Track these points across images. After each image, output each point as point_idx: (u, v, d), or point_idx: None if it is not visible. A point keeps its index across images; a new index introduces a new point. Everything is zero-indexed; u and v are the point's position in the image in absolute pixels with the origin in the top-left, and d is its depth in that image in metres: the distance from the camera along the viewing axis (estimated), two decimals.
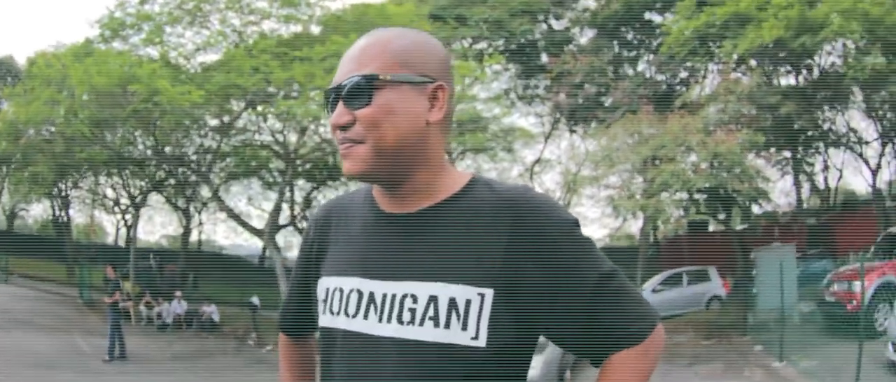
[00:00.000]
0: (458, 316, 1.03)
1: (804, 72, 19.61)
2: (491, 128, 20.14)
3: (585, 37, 23.96)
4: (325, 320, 1.16)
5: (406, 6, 18.00)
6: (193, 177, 22.72)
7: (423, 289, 1.05)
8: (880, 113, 21.42)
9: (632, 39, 23.17)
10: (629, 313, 1.10)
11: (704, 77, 20.62)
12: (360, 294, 1.11)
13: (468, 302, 1.02)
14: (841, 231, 21.75)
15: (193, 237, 29.28)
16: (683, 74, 20.83)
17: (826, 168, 24.99)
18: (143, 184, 25.45)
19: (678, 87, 21.04)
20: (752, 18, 17.70)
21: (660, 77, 21.02)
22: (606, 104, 21.01)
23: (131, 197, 26.20)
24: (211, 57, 19.21)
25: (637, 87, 20.01)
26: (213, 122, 20.11)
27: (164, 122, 17.92)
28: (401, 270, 1.08)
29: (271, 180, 24.01)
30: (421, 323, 1.04)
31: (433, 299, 1.04)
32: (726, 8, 17.66)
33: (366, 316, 1.09)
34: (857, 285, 10.03)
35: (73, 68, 16.09)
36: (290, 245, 27.99)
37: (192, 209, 27.71)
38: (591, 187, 19.83)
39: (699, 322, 15.89)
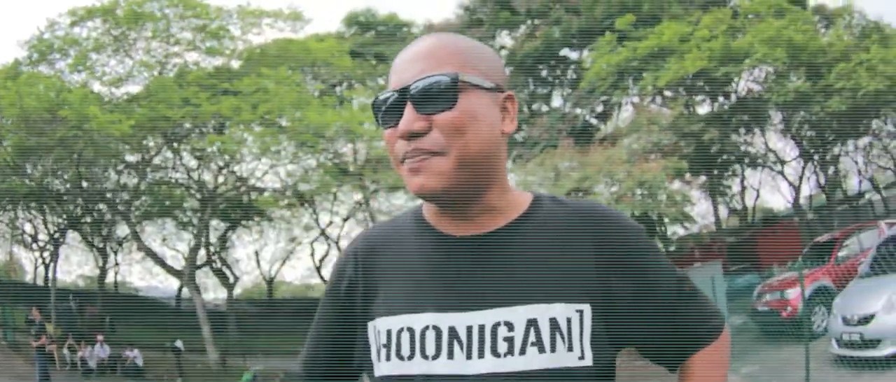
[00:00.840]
0: (563, 336, 0.94)
1: (721, 98, 20.22)
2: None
3: None
4: (389, 367, 1.00)
5: (328, 42, 17.77)
6: (109, 215, 21.89)
7: (517, 315, 0.95)
8: (801, 133, 22.45)
9: (546, 76, 23.42)
10: (705, 312, 1.10)
11: (620, 109, 21.04)
12: (438, 330, 0.97)
13: (569, 321, 0.95)
14: (763, 246, 22.62)
15: (109, 278, 28.18)
16: (599, 108, 21.16)
17: (743, 188, 26.09)
18: (60, 220, 24.32)
19: (595, 121, 21.45)
20: (674, 51, 18.22)
21: (578, 111, 21.25)
22: (520, 139, 21.22)
23: (50, 234, 25.03)
24: (132, 88, 18.60)
25: (556, 122, 20.18)
26: (131, 158, 19.46)
27: (89, 154, 17.21)
28: (484, 297, 0.96)
29: (185, 220, 23.30)
30: (522, 352, 0.94)
31: (532, 323, 0.94)
32: (648, 42, 18.13)
33: (451, 355, 0.96)
34: (789, 293, 10.93)
35: (4, 89, 15.28)
36: (205, 286, 27.30)
37: (108, 248, 26.67)
38: None
39: None
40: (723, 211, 25.89)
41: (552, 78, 23.49)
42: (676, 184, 18.55)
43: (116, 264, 28.49)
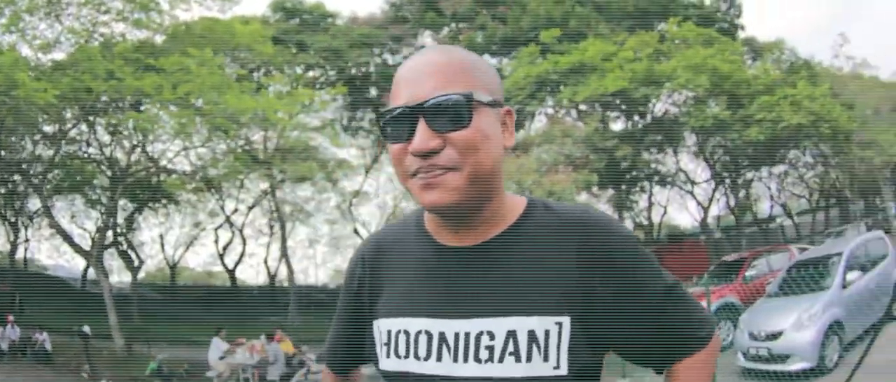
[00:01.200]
0: (539, 348, 0.99)
1: (636, 117, 20.91)
2: (314, 157, 19.95)
3: None
4: (390, 364, 1.09)
5: (253, 26, 17.57)
6: (22, 187, 21.08)
7: (499, 325, 1.00)
8: (714, 157, 23.43)
9: None
10: (695, 319, 1.11)
11: (533, 119, 21.46)
12: (430, 335, 1.04)
13: (547, 333, 0.99)
14: (669, 262, 23.37)
15: (18, 253, 27.10)
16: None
17: (650, 205, 27.07)
18: None
19: None
20: (596, 68, 18.73)
21: None
22: None
23: None
24: (57, 55, 17.93)
25: None
26: (48, 129, 18.82)
27: (10, 122, 16.52)
28: (472, 307, 1.02)
29: (95, 197, 22.65)
30: (501, 360, 0.99)
31: (511, 334, 0.99)
32: (571, 57, 18.57)
33: (440, 358, 1.03)
34: None
35: None
36: (110, 268, 26.76)
37: (19, 223, 25.46)
38: None
39: None
40: (629, 226, 26.78)
41: None
42: (584, 197, 19.08)
43: (27, 240, 27.44)
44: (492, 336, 1.00)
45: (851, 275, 9.45)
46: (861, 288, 9.48)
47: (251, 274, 39.01)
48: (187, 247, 28.99)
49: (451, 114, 0.94)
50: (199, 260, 37.19)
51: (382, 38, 22.36)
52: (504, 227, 1.04)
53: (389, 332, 1.09)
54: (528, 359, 0.98)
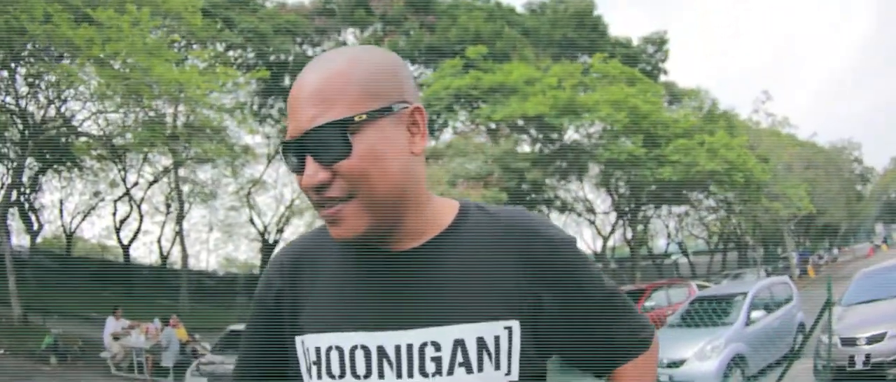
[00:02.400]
0: (490, 355, 0.93)
1: (548, 143, 21.61)
2: (221, 139, 19.45)
3: None
4: None
5: None
6: None
7: (444, 334, 0.93)
8: (618, 190, 24.47)
9: None
10: (634, 323, 1.10)
11: (443, 131, 21.79)
12: (367, 350, 0.95)
13: (497, 339, 0.94)
14: None
15: None
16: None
17: None
18: None
19: None
20: (518, 91, 19.21)
21: None
22: None
23: None
24: None
25: None
26: None
27: None
28: (411, 317, 0.94)
29: (4, 151, 21.36)
30: (450, 372, 0.93)
31: (459, 343, 0.93)
32: (495, 77, 19.01)
33: (382, 375, 0.94)
34: None
35: None
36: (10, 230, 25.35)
37: None
38: (310, 214, 20.04)
39: None
40: None
41: None
42: None
43: None
44: (437, 346, 0.93)
45: (756, 314, 10.07)
46: (765, 326, 10.09)
47: (143, 253, 37.55)
48: (85, 216, 27.71)
49: (330, 146, 0.88)
50: (95, 231, 35.35)
51: (307, 28, 22.22)
52: (438, 231, 0.98)
53: (318, 350, 0.98)
54: (480, 369, 0.93)
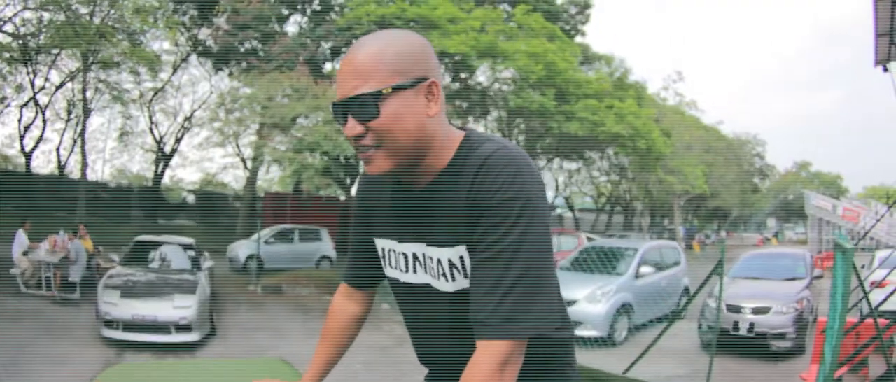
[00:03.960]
0: (458, 269, 1.25)
1: (453, 80, 21.90)
2: (124, 43, 18.49)
3: None
4: (387, 272, 1.45)
5: None
6: None
7: (435, 253, 1.28)
8: (519, 140, 25.24)
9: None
10: (506, 306, 1.11)
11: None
12: (394, 252, 1.39)
13: (461, 258, 1.24)
14: None
15: None
16: (343, 49, 21.06)
17: None
18: None
19: (332, 59, 21.88)
20: (440, 28, 19.17)
21: (325, 44, 21.25)
22: (260, 53, 20.85)
23: None
24: None
25: (297, 47, 20.29)
26: None
27: None
28: (417, 236, 1.32)
29: None
30: (438, 278, 1.30)
31: (439, 261, 1.28)
32: (419, 10, 18.90)
33: (414, 271, 1.36)
34: None
35: None
36: None
37: None
38: (209, 127, 19.54)
39: (318, 278, 16.27)
40: None
41: (300, 4, 23.29)
42: None
43: None
44: (432, 260, 1.30)
45: (645, 269, 10.90)
46: (653, 283, 10.95)
47: (41, 161, 35.08)
48: None
49: (365, 109, 1.15)
50: None
51: None
52: (438, 171, 1.26)
53: (383, 249, 1.44)
54: (453, 278, 1.27)
